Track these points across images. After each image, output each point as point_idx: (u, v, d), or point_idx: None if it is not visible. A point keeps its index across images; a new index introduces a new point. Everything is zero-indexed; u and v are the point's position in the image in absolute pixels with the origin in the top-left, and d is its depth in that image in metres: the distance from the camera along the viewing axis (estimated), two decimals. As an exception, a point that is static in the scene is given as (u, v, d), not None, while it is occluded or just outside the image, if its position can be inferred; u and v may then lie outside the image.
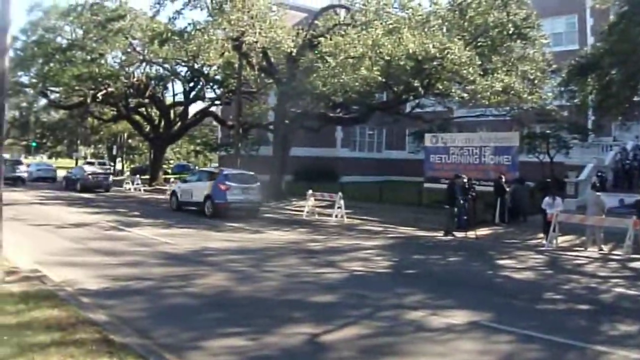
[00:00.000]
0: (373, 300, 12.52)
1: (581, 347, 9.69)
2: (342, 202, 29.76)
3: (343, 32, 33.45)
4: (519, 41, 34.79)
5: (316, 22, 39.09)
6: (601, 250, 22.17)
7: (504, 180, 28.89)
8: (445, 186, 28.32)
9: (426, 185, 34.05)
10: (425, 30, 31.59)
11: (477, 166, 30.87)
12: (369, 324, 10.65)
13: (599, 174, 34.13)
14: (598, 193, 24.48)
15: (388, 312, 11.51)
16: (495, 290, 14.43)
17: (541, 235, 24.01)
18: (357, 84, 31.22)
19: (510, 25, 33.33)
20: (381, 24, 31.87)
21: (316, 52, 34.48)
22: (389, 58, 30.43)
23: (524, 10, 34.36)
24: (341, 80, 31.09)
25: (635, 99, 26.18)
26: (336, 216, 29.64)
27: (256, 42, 32.95)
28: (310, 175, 45.86)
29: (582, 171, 35.81)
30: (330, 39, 32.25)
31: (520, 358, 9.17)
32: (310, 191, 31.77)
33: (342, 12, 39.67)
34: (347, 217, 29.70)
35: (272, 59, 38.49)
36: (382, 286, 14.11)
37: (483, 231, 25.99)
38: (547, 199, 24.41)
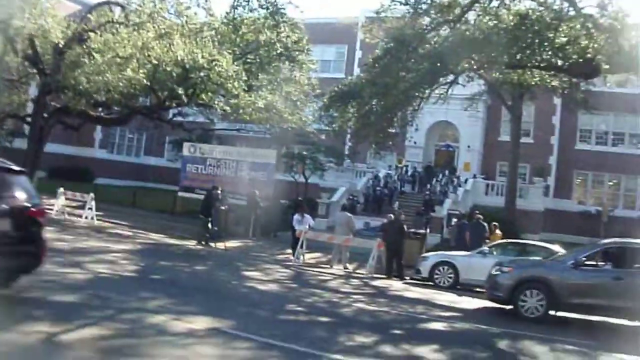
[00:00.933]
0: (116, 302, 12.22)
1: (318, 355, 9.99)
2: (93, 203, 28.83)
3: (115, 31, 32.57)
4: (287, 63, 35.64)
5: (89, 16, 37.75)
6: (346, 268, 23.33)
7: (257, 195, 29.49)
8: (199, 196, 28.45)
9: (180, 194, 33.99)
10: (198, 39, 31.52)
11: (233, 179, 31.28)
12: (110, 325, 10.32)
13: (351, 197, 35.82)
14: (350, 215, 25.73)
15: (130, 315, 11.26)
16: (239, 300, 14.64)
17: (289, 250, 24.71)
18: (121, 84, 30.49)
19: (280, 46, 34.13)
20: (154, 27, 31.39)
21: (85, 47, 33.31)
22: (156, 62, 30.02)
23: (296, 34, 35.30)
24: (105, 79, 30.24)
25: (391, 130, 27.67)
26: (86, 217, 28.72)
27: (23, 27, 31.30)
28: (65, 173, 44.06)
29: (335, 193, 37.37)
30: (101, 36, 31.26)
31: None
32: (62, 189, 30.50)
33: (118, 10, 38.67)
34: (98, 220, 28.86)
35: (39, 48, 36.69)
36: (127, 289, 13.81)
37: (233, 243, 26.35)
38: (296, 216, 25.27)
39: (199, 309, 12.63)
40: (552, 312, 16.20)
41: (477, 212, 29.35)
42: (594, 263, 16.61)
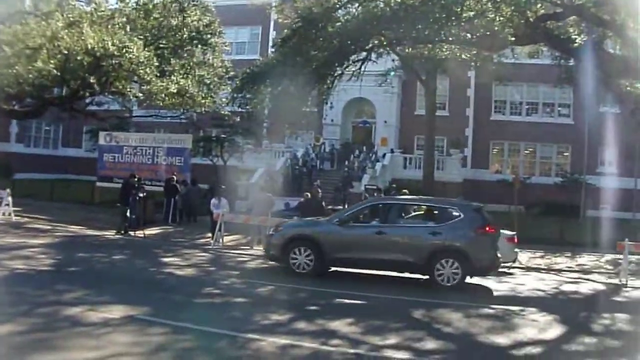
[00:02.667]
0: (31, 297, 12.14)
1: (233, 336, 10.18)
2: (10, 199, 28.18)
3: (23, 21, 31.83)
4: (199, 46, 35.38)
5: (-3, 7, 36.79)
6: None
7: (175, 180, 29.36)
8: (117, 185, 28.18)
9: (99, 184, 33.56)
10: (109, 27, 31.05)
11: (150, 166, 31.08)
12: (24, 321, 10.27)
13: (268, 177, 35.91)
14: (268, 194, 25.85)
15: (46, 309, 11.19)
16: (155, 286, 14.64)
17: (209, 234, 24.69)
18: (31, 75, 29.87)
19: (191, 29, 33.90)
20: (63, 16, 30.79)
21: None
22: (66, 52, 29.48)
23: (207, 17, 35.08)
24: (15, 71, 29.58)
25: (305, 109, 27.77)
26: (3, 214, 28.09)
27: None
28: (-19, 170, 43.07)
29: (254, 175, 37.40)
30: (9, 27, 30.58)
31: (172, 348, 9.41)
32: (-23, 187, 29.82)
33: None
34: (16, 215, 28.21)
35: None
36: (43, 284, 13.72)
37: (152, 230, 26.19)
38: (213, 199, 25.36)
39: (114, 298, 12.59)
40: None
41: (394, 185, 29.85)
42: (361, 220, 17.96)
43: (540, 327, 12.45)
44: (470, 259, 16.40)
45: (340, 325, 11.52)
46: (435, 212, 17.95)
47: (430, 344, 10.60)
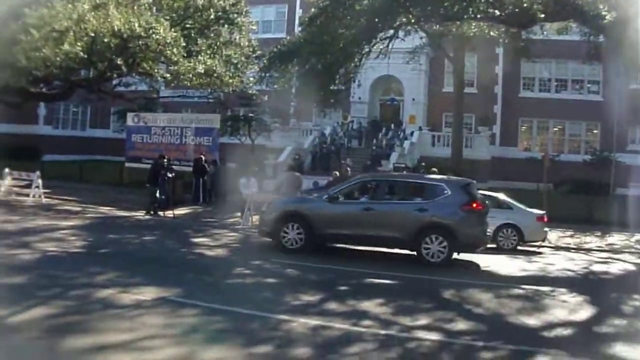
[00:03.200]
0: (64, 280, 12.21)
1: (264, 317, 10.21)
2: (40, 181, 28.36)
3: (49, 4, 31.94)
4: (226, 26, 35.35)
5: (23, -9, 36.95)
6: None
7: (204, 160, 29.46)
8: (146, 166, 28.35)
9: (127, 164, 33.75)
10: (135, 8, 31.07)
11: (179, 146, 31.19)
12: (58, 303, 10.34)
13: (297, 156, 35.90)
14: (297, 174, 25.86)
15: (78, 291, 11.26)
16: (186, 267, 14.70)
17: (239, 214, 24.74)
18: (58, 58, 30.02)
19: (217, 9, 33.86)
20: (89, -2, 30.89)
21: (20, 23, 32.61)
22: (93, 34, 29.58)
23: (234, -4, 35.09)
24: (43, 54, 29.73)
25: (333, 87, 27.71)
26: (34, 196, 28.30)
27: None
28: (10, 153, 43.23)
29: (282, 154, 37.45)
30: (36, 11, 30.71)
31: (205, 329, 9.41)
32: (7, 170, 29.99)
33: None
34: (46, 197, 28.42)
35: (-27, 28, 35.87)
36: (75, 266, 13.75)
37: (181, 211, 26.36)
38: (242, 179, 25.35)
39: (146, 280, 12.68)
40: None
41: (423, 164, 29.77)
42: (351, 196, 18.14)
43: (571, 308, 12.39)
44: (456, 235, 16.64)
45: (371, 305, 11.54)
46: (423, 189, 18.04)
47: (460, 325, 10.59)
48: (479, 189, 19.09)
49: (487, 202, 19.10)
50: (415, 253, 17.08)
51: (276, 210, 18.31)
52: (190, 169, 30.05)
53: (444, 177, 19.93)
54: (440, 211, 16.92)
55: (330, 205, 17.66)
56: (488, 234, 18.48)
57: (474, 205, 17.19)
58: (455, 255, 17.01)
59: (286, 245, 17.56)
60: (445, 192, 17.24)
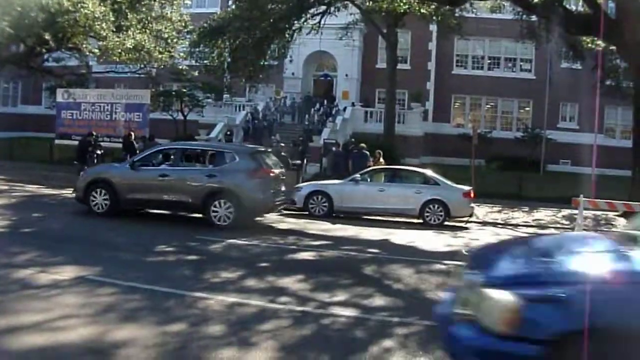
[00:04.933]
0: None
1: (181, 295, 10.13)
2: (-35, 158, 27.91)
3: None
4: (157, 0, 34.96)
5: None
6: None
7: (133, 137, 29.15)
8: (76, 143, 27.98)
9: (57, 141, 33.21)
10: (64, -19, 30.50)
11: (109, 122, 30.81)
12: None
13: (227, 132, 35.78)
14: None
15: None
16: (109, 246, 14.48)
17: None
18: (-16, 34, 29.38)
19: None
20: (15, -29, 30.17)
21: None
22: (20, 9, 28.96)
23: (166, -31, 34.68)
24: (-32, 30, 29.04)
25: (263, 63, 27.63)
26: (-42, 173, 27.74)
27: None
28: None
29: (214, 129, 37.24)
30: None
31: (121, 308, 9.30)
32: None
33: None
34: (-29, 175, 27.92)
35: None
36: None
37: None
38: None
39: (66, 259, 12.44)
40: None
41: (354, 140, 29.93)
42: (151, 163, 19.15)
43: (490, 282, 12.55)
44: (242, 200, 17.59)
45: (290, 282, 11.56)
46: (215, 156, 19.31)
47: (378, 301, 10.65)
48: (411, 165, 19.61)
49: (279, 169, 19.82)
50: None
51: (87, 177, 19.45)
52: (121, 145, 29.70)
53: (235, 145, 21.83)
54: (228, 177, 17.91)
55: (132, 171, 18.69)
56: (410, 208, 20.37)
57: (261, 171, 18.23)
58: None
59: (94, 210, 18.63)
60: (235, 159, 18.33)
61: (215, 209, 17.64)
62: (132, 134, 29.15)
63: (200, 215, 18.55)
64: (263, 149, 20.64)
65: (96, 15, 29.12)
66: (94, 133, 27.45)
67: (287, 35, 26.24)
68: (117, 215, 18.29)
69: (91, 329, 8.30)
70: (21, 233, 15.85)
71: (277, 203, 19.36)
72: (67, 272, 11.22)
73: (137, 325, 8.58)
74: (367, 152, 26.03)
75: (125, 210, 18.88)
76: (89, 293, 10.07)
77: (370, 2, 30.12)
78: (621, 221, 23.69)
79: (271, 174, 18.66)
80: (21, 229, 16.40)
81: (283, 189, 19.65)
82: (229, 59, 27.95)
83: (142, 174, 18.63)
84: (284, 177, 19.89)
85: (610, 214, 24.55)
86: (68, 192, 24.56)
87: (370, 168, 24.03)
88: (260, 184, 18.02)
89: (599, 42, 29.20)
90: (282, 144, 27.30)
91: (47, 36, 29.90)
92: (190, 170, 19.18)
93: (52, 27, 30.07)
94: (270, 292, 10.70)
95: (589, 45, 30.01)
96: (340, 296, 10.75)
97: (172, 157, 19.41)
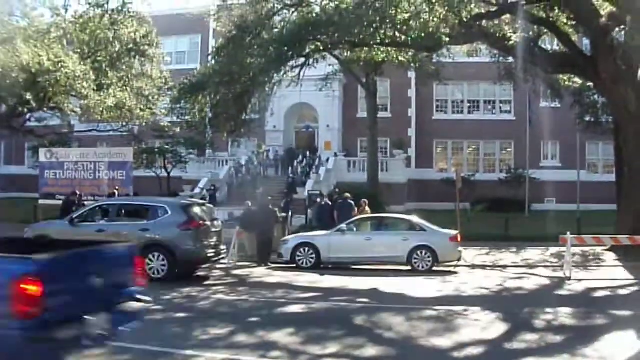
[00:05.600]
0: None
1: (170, 353, 10.11)
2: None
3: (-45, 40, 31.21)
4: (137, 58, 35.13)
5: None
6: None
7: (117, 195, 29.05)
8: (60, 202, 27.86)
9: (41, 201, 32.95)
10: (45, 41, 30.62)
11: (92, 181, 30.55)
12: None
13: (211, 187, 35.76)
14: (210, 205, 25.73)
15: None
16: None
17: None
18: (-34, 95, 29.43)
19: (128, 41, 33.63)
20: (-4, 32, 30.29)
21: None
22: (1, 69, 28.99)
23: (145, 28, 34.83)
24: (-51, 91, 29.08)
25: (244, 117, 27.66)
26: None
27: None
28: None
29: (198, 185, 37.20)
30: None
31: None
32: None
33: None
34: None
35: None
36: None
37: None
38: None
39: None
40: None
41: (337, 190, 29.95)
42: (89, 219, 19.87)
43: (483, 326, 12.47)
44: (174, 252, 18.07)
45: (280, 336, 11.44)
46: (148, 210, 19.61)
47: (370, 350, 10.57)
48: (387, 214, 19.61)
49: (213, 221, 20.39)
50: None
51: (32, 234, 19.18)
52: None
53: (167, 199, 22.14)
54: (160, 230, 18.48)
55: (71, 227, 19.21)
56: (398, 255, 21.22)
57: (191, 224, 18.60)
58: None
59: None
60: (167, 213, 18.84)
61: (149, 262, 17.74)
62: (116, 192, 29.06)
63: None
64: (197, 202, 21.83)
65: (77, 74, 29.17)
66: (78, 192, 27.48)
67: (267, 89, 26.24)
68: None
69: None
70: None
71: (210, 255, 19.48)
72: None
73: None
74: (352, 202, 26.00)
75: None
76: (77, 354, 9.92)
77: (349, 52, 30.29)
78: (610, 255, 23.75)
79: (202, 227, 19.05)
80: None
81: (217, 241, 20.04)
82: (210, 114, 27.95)
83: (80, 230, 18.98)
84: (218, 230, 20.37)
85: (599, 249, 24.53)
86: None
87: (356, 217, 23.98)
88: (190, 236, 18.44)
89: (576, 79, 29.59)
90: (270, 197, 27.19)
91: (28, 96, 29.90)
92: (126, 225, 19.39)
93: (33, 87, 30.09)
94: (261, 347, 10.60)
95: (567, 83, 30.33)
96: (332, 348, 10.67)
97: (109, 212, 20.10)
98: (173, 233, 18.27)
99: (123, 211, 20.61)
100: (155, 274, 17.66)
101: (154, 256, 17.94)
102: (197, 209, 19.82)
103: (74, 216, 19.98)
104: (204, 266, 20.39)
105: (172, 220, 18.54)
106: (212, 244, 19.58)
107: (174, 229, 18.32)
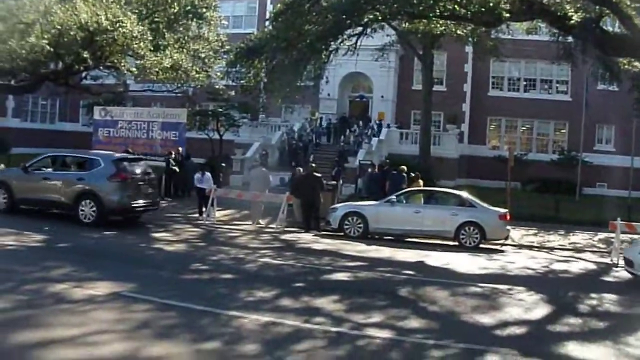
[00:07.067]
0: (19, 274, 11.99)
1: (216, 313, 10.16)
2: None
3: (16, -3, 31.58)
4: (195, 20, 35.18)
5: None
6: (258, 223, 23.51)
7: (173, 156, 29.37)
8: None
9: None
10: (104, 0, 30.80)
11: (146, 140, 30.98)
12: (9, 297, 10.21)
13: (263, 152, 35.87)
14: (265, 170, 25.92)
15: (32, 286, 11.11)
16: (143, 262, 14.63)
17: (204, 209, 24.57)
18: (24, 51, 29.71)
19: (186, 3, 33.68)
20: (56, -10, 30.53)
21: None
22: (60, 27, 29.29)
23: (203, -10, 34.89)
24: (9, 47, 29.40)
25: (299, 84, 27.61)
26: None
27: None
28: (-22, 145, 42.79)
29: (249, 149, 37.34)
30: (2, 2, 30.36)
31: (155, 324, 9.36)
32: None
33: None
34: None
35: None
36: (31, 260, 13.56)
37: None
38: (197, 175, 25.34)
39: (101, 275, 12.56)
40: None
41: (388, 161, 29.84)
42: (40, 168, 21.40)
43: (526, 306, 12.40)
44: (102, 201, 19.85)
45: (325, 302, 11.52)
46: (85, 162, 21.29)
47: (413, 323, 10.59)
48: (446, 187, 19.68)
49: (146, 175, 21.93)
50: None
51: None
52: (157, 163, 29.95)
53: (102, 152, 23.59)
54: (93, 180, 20.18)
55: (25, 175, 21.05)
56: (446, 230, 21.46)
57: (119, 176, 20.32)
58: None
59: None
60: (100, 165, 20.53)
61: (82, 208, 19.88)
62: (173, 153, 29.44)
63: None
64: (134, 157, 23.63)
65: (134, 35, 29.27)
66: (131, 150, 27.74)
67: (323, 56, 26.05)
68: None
69: (125, 345, 8.37)
70: (57, 248, 16.17)
71: (135, 206, 21.08)
72: (102, 288, 11.39)
73: (171, 342, 8.63)
74: (404, 174, 25.88)
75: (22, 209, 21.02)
76: (123, 309, 10.12)
77: (407, 24, 30.01)
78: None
79: (129, 179, 20.66)
80: (56, 244, 16.67)
81: (148, 193, 21.69)
82: (266, 80, 27.93)
83: (31, 176, 20.96)
84: (152, 184, 22.20)
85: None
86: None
87: (406, 190, 23.90)
88: (119, 187, 20.19)
89: (636, 63, 28.92)
90: (314, 165, 27.21)
91: (85, 54, 30.06)
92: (65, 174, 21.12)
93: (90, 45, 30.28)
94: (305, 312, 10.69)
95: (626, 66, 29.67)
96: (376, 317, 10.70)
97: (56, 163, 21.91)
98: (102, 183, 19.99)
99: (67, 162, 22.37)
100: (86, 219, 19.78)
101: (85, 203, 19.92)
102: (129, 164, 21.65)
103: (27, 164, 21.41)
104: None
105: (104, 172, 20.27)
106: (143, 195, 21.34)
107: (104, 179, 20.06)
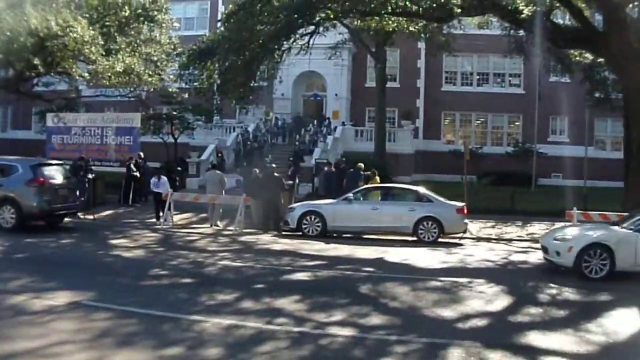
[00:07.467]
0: (-25, 286, 11.89)
1: (178, 318, 10.13)
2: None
3: (-36, 3, 31.04)
4: (146, 23, 34.96)
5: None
6: (216, 226, 23.44)
7: (134, 161, 29.12)
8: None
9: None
10: (54, 5, 30.44)
11: (100, 146, 30.61)
12: (-35, 311, 10.12)
13: (219, 154, 35.74)
14: (220, 173, 25.81)
15: (-12, 298, 11.02)
16: (102, 270, 14.46)
17: (162, 214, 24.43)
18: (-26, 58, 29.34)
19: (137, 7, 33.45)
20: (4, -4, 30.12)
21: None
22: (9, 33, 28.88)
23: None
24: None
25: (253, 84, 27.56)
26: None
27: None
28: None
29: (205, 151, 37.17)
30: (-49, 10, 29.83)
31: (116, 333, 9.29)
32: None
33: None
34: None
35: None
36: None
37: (104, 212, 25.94)
38: (153, 179, 25.21)
39: (60, 284, 12.48)
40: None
41: (344, 159, 29.92)
42: None
43: (487, 298, 12.53)
44: (21, 206, 20.12)
45: (286, 303, 11.52)
46: (5, 168, 21.08)
47: (375, 320, 10.64)
48: (403, 183, 19.80)
49: (67, 179, 22.35)
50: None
51: None
52: (111, 169, 29.73)
53: (22, 159, 22.88)
54: (12, 186, 20.38)
55: None
56: (404, 226, 21.50)
57: (37, 181, 20.46)
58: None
59: None
60: (18, 171, 20.73)
61: (1, 213, 20.16)
62: (133, 159, 29.22)
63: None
64: (54, 163, 23.21)
65: (85, 39, 28.98)
66: (85, 157, 27.42)
67: (276, 56, 26.09)
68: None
69: (87, 355, 8.31)
70: (13, 259, 15.86)
71: (55, 208, 21.22)
72: (61, 298, 11.28)
73: (133, 350, 8.58)
74: (361, 172, 25.98)
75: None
76: (84, 318, 10.03)
77: (359, 22, 30.17)
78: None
79: (47, 184, 20.80)
80: (14, 255, 16.37)
81: (69, 197, 21.91)
82: (219, 81, 27.85)
83: None
84: (71, 188, 22.32)
85: (605, 226, 24.55)
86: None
87: (363, 187, 23.98)
88: (36, 192, 20.35)
89: (587, 54, 29.37)
90: (274, 165, 27.22)
91: (36, 61, 29.74)
92: None
93: (41, 51, 29.94)
94: (267, 314, 10.67)
95: (577, 58, 30.13)
96: (337, 316, 10.75)
97: None
98: (21, 188, 20.23)
99: None
100: (6, 225, 19.99)
101: (5, 208, 20.13)
102: (47, 168, 21.74)
103: None
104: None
105: (22, 177, 20.49)
106: (63, 199, 21.51)
107: (22, 185, 20.29)
